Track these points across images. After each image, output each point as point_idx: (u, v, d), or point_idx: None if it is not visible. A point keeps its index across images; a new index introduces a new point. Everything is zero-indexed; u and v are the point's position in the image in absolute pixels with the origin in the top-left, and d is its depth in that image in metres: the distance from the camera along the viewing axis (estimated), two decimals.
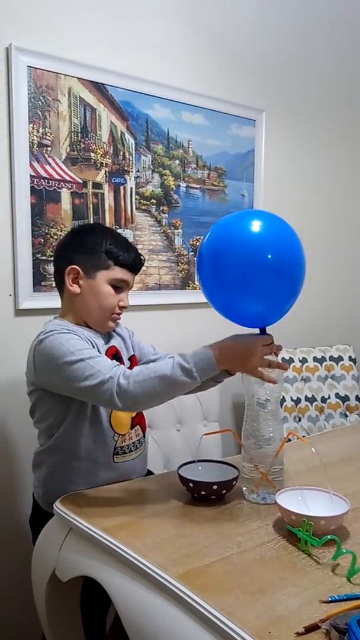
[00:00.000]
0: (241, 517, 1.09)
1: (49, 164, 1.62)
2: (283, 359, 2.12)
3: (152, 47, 1.83)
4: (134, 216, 1.84)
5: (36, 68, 1.57)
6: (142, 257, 1.32)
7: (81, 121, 1.68)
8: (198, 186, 2.00)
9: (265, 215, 1.16)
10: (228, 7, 2.02)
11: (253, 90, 2.13)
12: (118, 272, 1.25)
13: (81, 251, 1.25)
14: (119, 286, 1.27)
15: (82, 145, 1.69)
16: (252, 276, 1.08)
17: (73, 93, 1.66)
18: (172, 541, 0.99)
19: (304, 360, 2.19)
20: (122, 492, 1.22)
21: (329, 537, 0.93)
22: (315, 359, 2.21)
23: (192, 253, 2.00)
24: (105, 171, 1.75)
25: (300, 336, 2.27)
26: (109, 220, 1.77)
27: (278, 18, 2.18)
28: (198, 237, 2.00)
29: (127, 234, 1.80)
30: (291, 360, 2.17)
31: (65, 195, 1.66)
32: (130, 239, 1.73)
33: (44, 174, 1.61)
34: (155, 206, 1.89)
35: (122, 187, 1.80)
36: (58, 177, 1.64)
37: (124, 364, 1.32)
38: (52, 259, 1.54)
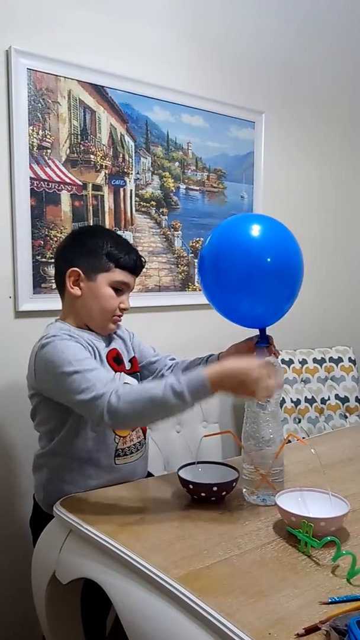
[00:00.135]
0: (241, 519, 1.09)
1: (49, 166, 1.63)
2: (283, 360, 2.13)
3: (151, 49, 1.83)
4: (133, 218, 1.84)
5: (36, 70, 1.58)
6: (142, 258, 1.32)
7: (81, 123, 1.69)
8: (198, 188, 2.01)
9: (265, 219, 1.19)
10: (227, 10, 2.03)
11: (252, 92, 2.13)
12: (119, 275, 1.25)
13: (82, 254, 1.25)
14: (120, 288, 1.27)
15: (82, 148, 1.70)
16: (252, 279, 1.12)
17: (73, 95, 1.66)
18: (172, 543, 0.99)
19: (303, 362, 2.19)
20: (121, 494, 1.21)
21: (328, 538, 0.93)
22: (315, 361, 2.21)
23: (192, 255, 2.00)
24: (105, 173, 1.76)
25: (300, 337, 2.28)
26: (108, 223, 1.77)
27: (277, 20, 2.18)
28: (198, 238, 2.01)
29: (127, 236, 1.80)
30: (291, 361, 2.17)
31: (65, 197, 1.67)
32: (130, 241, 1.73)
33: (43, 176, 1.62)
34: (155, 208, 1.90)
35: (121, 189, 1.80)
36: (58, 180, 1.65)
37: (124, 366, 1.33)
38: (52, 261, 1.55)
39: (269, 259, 1.12)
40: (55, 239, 1.64)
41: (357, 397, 2.19)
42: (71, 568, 1.07)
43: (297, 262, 1.17)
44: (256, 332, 1.24)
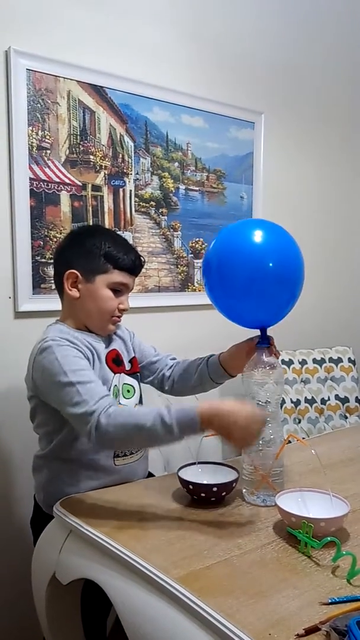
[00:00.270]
0: (241, 519, 1.09)
1: (48, 166, 1.63)
2: (283, 360, 2.13)
3: (151, 49, 1.83)
4: (133, 219, 1.84)
5: (35, 71, 1.58)
6: (142, 258, 1.31)
7: (80, 124, 1.69)
8: (197, 188, 2.01)
9: (266, 224, 1.23)
10: (227, 10, 2.03)
11: (252, 92, 2.13)
12: (117, 276, 1.25)
13: (80, 255, 1.24)
14: (119, 289, 1.26)
15: (82, 148, 1.70)
16: (254, 283, 1.16)
17: (72, 96, 1.66)
18: (172, 543, 0.98)
19: (303, 362, 2.19)
20: (121, 494, 1.21)
21: (328, 538, 0.93)
22: (314, 361, 2.21)
23: (192, 255, 2.00)
24: (105, 174, 1.76)
25: (300, 338, 2.28)
26: (108, 223, 1.77)
27: (277, 20, 2.18)
28: (197, 239, 2.01)
29: (127, 236, 1.80)
30: (291, 362, 2.17)
31: (64, 197, 1.67)
32: (130, 242, 1.73)
33: (43, 176, 1.62)
34: (154, 208, 1.90)
35: (121, 190, 1.80)
36: (57, 180, 1.65)
37: (124, 367, 1.32)
38: (51, 261, 1.55)
39: (270, 264, 1.16)
40: (55, 239, 1.64)
41: (357, 397, 2.19)
42: (71, 568, 1.07)
43: (298, 265, 1.21)
44: (257, 332, 1.24)
